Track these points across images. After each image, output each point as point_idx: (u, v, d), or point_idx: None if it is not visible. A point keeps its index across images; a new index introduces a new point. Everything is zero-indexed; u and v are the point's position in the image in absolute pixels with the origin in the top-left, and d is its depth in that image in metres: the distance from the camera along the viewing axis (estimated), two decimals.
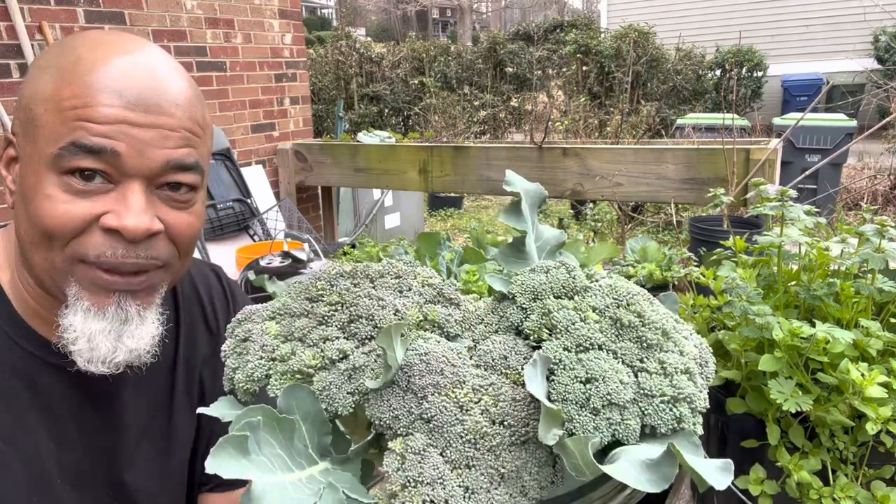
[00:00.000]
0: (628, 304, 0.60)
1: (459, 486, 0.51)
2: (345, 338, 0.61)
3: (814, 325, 0.76)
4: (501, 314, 0.64)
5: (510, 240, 0.73)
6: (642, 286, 1.60)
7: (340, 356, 0.59)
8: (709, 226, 2.11)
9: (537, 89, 11.69)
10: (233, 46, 4.13)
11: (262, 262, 2.46)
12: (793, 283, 0.91)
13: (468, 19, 22.88)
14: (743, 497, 0.82)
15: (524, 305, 0.62)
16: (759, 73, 10.63)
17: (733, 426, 0.87)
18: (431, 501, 0.50)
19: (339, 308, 0.63)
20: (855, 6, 10.35)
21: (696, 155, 3.07)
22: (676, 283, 1.53)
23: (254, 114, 4.32)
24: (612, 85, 9.22)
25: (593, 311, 0.59)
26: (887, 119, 4.58)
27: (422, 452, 0.52)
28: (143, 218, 0.71)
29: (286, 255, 2.52)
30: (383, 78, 11.29)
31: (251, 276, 2.23)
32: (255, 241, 3.67)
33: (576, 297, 0.61)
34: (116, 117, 0.68)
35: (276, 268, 2.39)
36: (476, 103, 10.49)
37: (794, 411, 0.74)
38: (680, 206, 4.32)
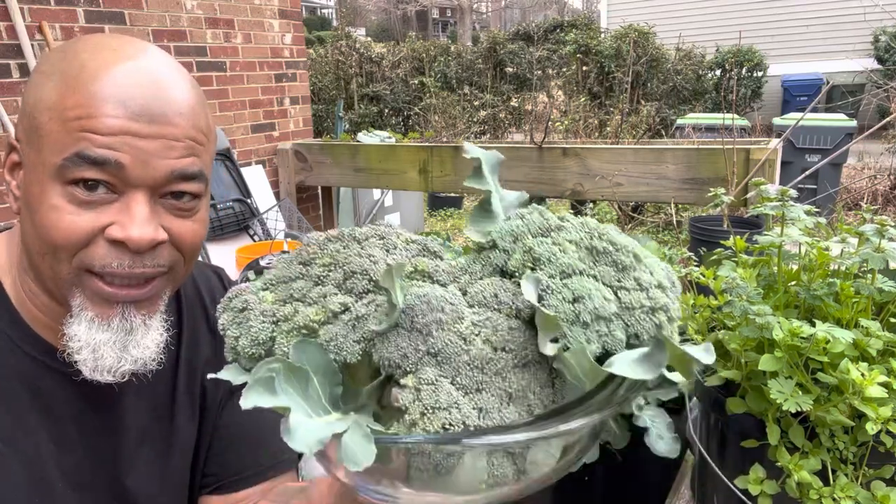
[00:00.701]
0: (600, 235, 0.65)
1: (473, 409, 0.55)
2: (343, 294, 0.63)
3: (814, 325, 0.76)
4: (484, 262, 0.68)
5: (479, 201, 0.78)
6: None
7: (342, 308, 0.61)
8: (709, 226, 2.11)
9: (537, 89, 11.69)
10: (233, 46, 4.13)
11: (262, 262, 2.46)
12: (793, 283, 0.91)
13: (468, 19, 22.89)
14: (743, 497, 0.82)
15: (505, 248, 0.66)
16: (759, 73, 10.63)
17: (733, 426, 0.87)
18: (450, 423, 0.53)
19: (333, 268, 0.65)
20: (855, 6, 10.35)
21: (696, 155, 3.07)
22: None
23: (254, 114, 4.32)
24: (612, 85, 9.22)
25: (570, 244, 0.65)
26: (887, 119, 4.58)
27: (434, 383, 0.55)
28: (147, 229, 0.71)
29: (286, 255, 2.52)
30: (383, 78, 11.30)
31: (251, 276, 2.23)
32: (255, 241, 3.67)
33: (552, 234, 0.66)
34: (121, 128, 0.68)
35: None
36: (476, 103, 10.49)
37: (794, 411, 0.74)
38: (680, 206, 4.33)
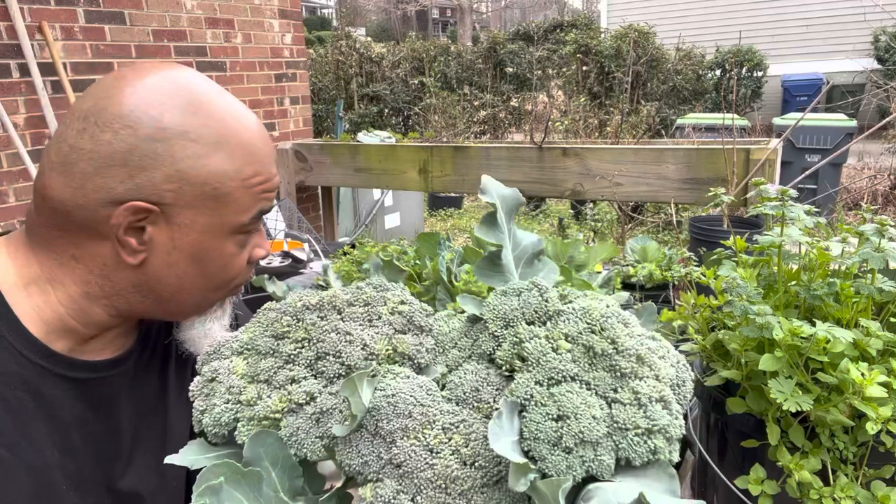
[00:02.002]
0: (602, 329, 0.59)
1: None
2: (312, 376, 0.60)
3: (814, 325, 0.76)
4: (474, 338, 0.63)
5: (485, 252, 0.72)
6: (642, 286, 1.60)
7: (307, 399, 0.58)
8: (709, 226, 2.11)
9: (537, 89, 11.69)
10: (233, 46, 4.13)
11: (262, 262, 2.45)
12: (793, 282, 0.91)
13: (468, 19, 22.88)
14: (743, 497, 0.82)
15: (496, 333, 0.61)
16: (759, 73, 10.63)
17: (733, 426, 0.87)
18: None
19: (306, 345, 0.62)
20: (855, 6, 10.36)
21: (696, 155, 3.07)
22: (676, 282, 1.53)
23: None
24: (612, 85, 9.22)
25: (566, 339, 0.58)
26: (887, 119, 4.58)
27: (392, 500, 0.52)
28: None
29: (286, 255, 2.52)
30: (383, 78, 11.29)
31: (251, 276, 2.23)
32: None
33: (548, 323, 0.60)
34: (279, 180, 0.84)
35: (276, 268, 2.39)
36: (476, 103, 10.49)
37: (794, 411, 0.74)
38: (680, 206, 4.33)
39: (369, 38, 14.67)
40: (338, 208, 5.17)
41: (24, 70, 3.10)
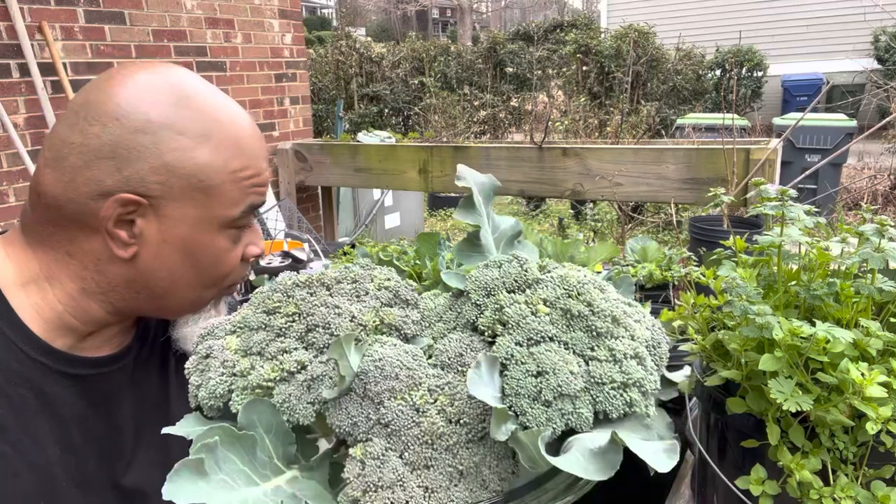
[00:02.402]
0: (578, 294, 0.61)
1: (419, 487, 0.52)
2: (303, 348, 0.62)
3: (814, 325, 0.76)
4: (458, 311, 0.66)
5: (466, 235, 0.75)
6: (642, 286, 1.60)
7: (299, 367, 0.60)
8: (709, 226, 2.11)
9: (537, 89, 11.69)
10: (233, 46, 4.13)
11: (262, 262, 2.46)
12: (793, 282, 0.91)
13: (468, 19, 22.88)
14: (743, 497, 0.82)
15: (478, 302, 0.63)
16: (759, 73, 10.62)
17: (733, 426, 0.87)
18: None
19: (297, 319, 0.64)
20: (855, 6, 10.35)
21: (696, 155, 3.07)
22: (676, 282, 1.53)
23: (254, 114, 4.32)
24: (612, 85, 9.22)
25: (544, 304, 0.61)
26: (887, 119, 4.58)
27: (381, 457, 0.53)
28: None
29: (286, 255, 2.52)
30: (383, 78, 11.29)
31: (251, 275, 2.23)
32: None
33: (528, 291, 0.63)
34: (270, 175, 0.85)
35: (276, 268, 2.39)
36: (476, 103, 10.48)
37: (794, 411, 0.74)
38: (680, 206, 4.33)
39: (369, 38, 14.67)
40: (338, 208, 5.17)
41: (24, 70, 3.10)
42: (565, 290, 0.62)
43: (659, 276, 1.57)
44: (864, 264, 0.84)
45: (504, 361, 0.57)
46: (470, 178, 0.75)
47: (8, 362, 0.76)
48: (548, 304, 0.61)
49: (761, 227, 1.91)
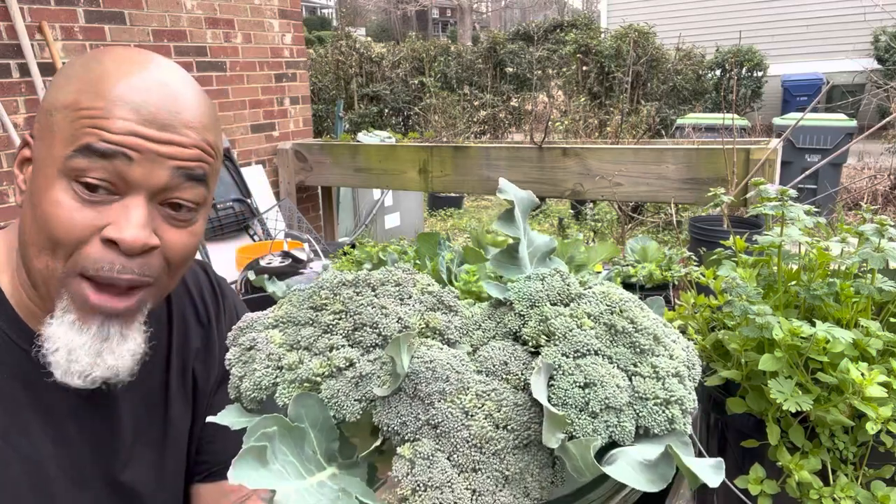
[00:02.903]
0: (621, 311, 0.63)
1: (467, 489, 0.53)
2: (350, 346, 0.62)
3: (814, 325, 0.76)
4: (498, 320, 0.66)
5: (504, 246, 0.76)
6: (642, 286, 1.60)
7: (347, 364, 0.60)
8: (709, 226, 2.11)
9: (537, 89, 11.69)
10: (233, 46, 4.13)
11: (262, 262, 2.46)
12: (793, 282, 0.91)
13: (468, 19, 22.88)
14: (742, 497, 0.82)
15: (522, 312, 0.64)
16: (759, 73, 10.63)
17: (733, 426, 0.87)
18: None
19: (344, 316, 0.64)
20: (855, 6, 10.35)
21: (696, 155, 3.07)
22: (676, 283, 1.53)
23: (254, 114, 4.32)
24: (612, 85, 9.22)
25: (588, 318, 0.62)
26: (887, 119, 4.58)
27: (430, 457, 0.54)
28: (142, 232, 0.72)
29: (286, 255, 2.52)
30: (383, 78, 11.29)
31: (251, 276, 2.23)
32: (255, 241, 3.67)
33: (571, 304, 0.64)
34: (130, 129, 0.71)
35: (276, 268, 2.39)
36: (476, 103, 10.49)
37: (794, 411, 0.74)
38: (680, 206, 4.33)
39: (369, 38, 14.68)
40: (338, 208, 5.17)
41: (24, 70, 3.10)
42: (608, 306, 0.63)
43: (659, 276, 1.57)
44: (864, 264, 0.84)
45: (551, 373, 0.58)
46: (511, 192, 0.76)
47: (1, 355, 0.77)
48: (592, 318, 0.62)
49: (761, 227, 1.91)
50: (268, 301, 1.97)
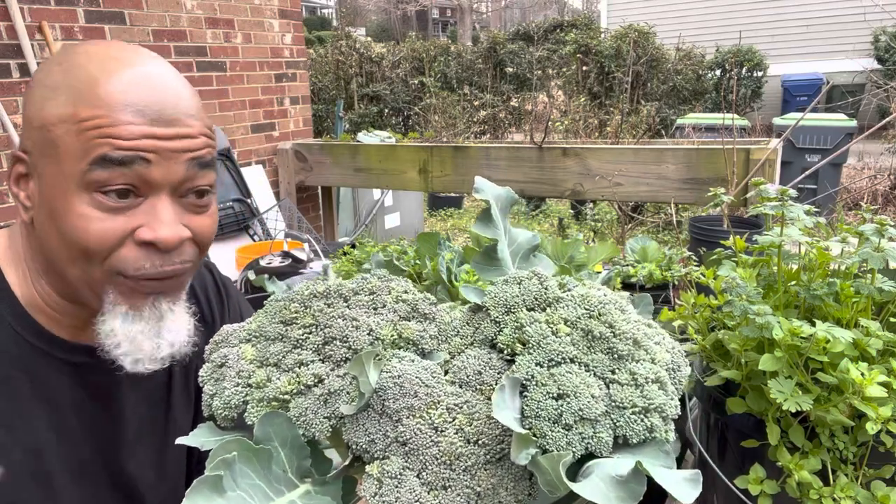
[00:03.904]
0: (600, 315, 0.60)
1: None
2: (320, 360, 0.61)
3: (814, 325, 0.76)
4: (476, 326, 0.65)
5: (483, 248, 0.74)
6: (642, 286, 1.60)
7: (316, 381, 0.59)
8: (709, 226, 2.11)
9: (537, 89, 11.69)
10: (233, 46, 4.13)
11: (262, 262, 2.46)
12: (793, 282, 0.91)
13: (468, 19, 22.88)
14: (743, 497, 0.82)
15: (497, 319, 0.63)
16: (759, 73, 10.63)
17: (733, 426, 0.87)
18: None
19: (314, 330, 0.63)
20: (855, 6, 10.35)
21: (696, 155, 3.07)
22: (676, 283, 1.53)
23: (254, 114, 4.32)
24: (612, 85, 9.22)
25: (565, 324, 0.60)
26: (887, 119, 4.58)
27: (398, 476, 0.53)
28: (174, 228, 0.75)
29: (286, 255, 2.52)
30: (383, 78, 11.29)
31: (251, 275, 2.23)
32: (255, 240, 3.67)
33: (548, 309, 0.62)
34: (142, 133, 0.71)
35: (276, 268, 2.39)
36: (476, 103, 10.49)
37: (794, 411, 0.74)
38: (680, 206, 4.32)
39: (369, 38, 14.67)
40: (338, 208, 5.17)
41: (24, 70, 3.09)
42: (586, 310, 0.61)
43: (659, 276, 1.57)
44: (864, 264, 0.84)
45: (524, 382, 0.56)
46: (488, 190, 0.74)
47: (3, 345, 0.77)
48: (569, 323, 0.60)
49: (761, 227, 1.91)
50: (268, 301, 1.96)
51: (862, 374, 0.73)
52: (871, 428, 0.72)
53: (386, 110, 11.06)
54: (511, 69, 12.13)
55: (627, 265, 1.67)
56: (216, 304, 1.02)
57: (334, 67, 10.89)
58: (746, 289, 0.87)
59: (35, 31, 3.12)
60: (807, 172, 3.79)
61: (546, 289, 0.64)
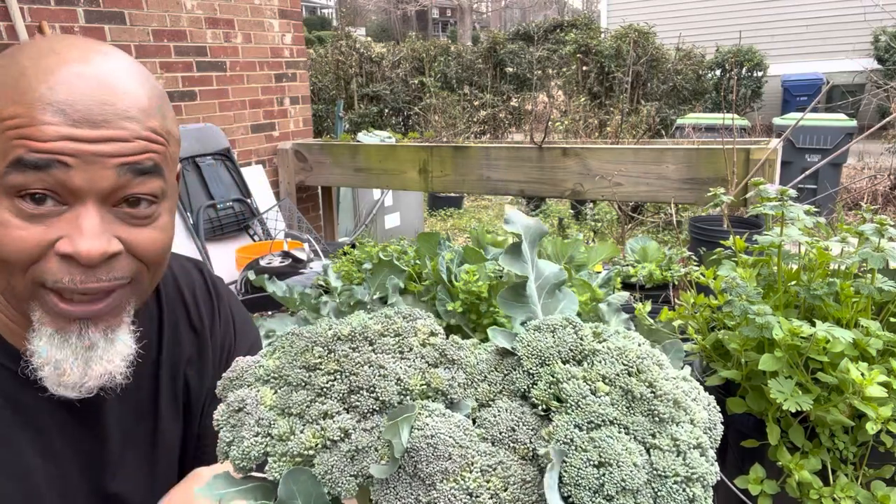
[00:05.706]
0: (639, 371, 0.58)
1: None
2: (345, 409, 0.59)
3: (814, 325, 0.76)
4: (505, 372, 0.63)
5: (511, 283, 0.72)
6: (642, 286, 1.60)
7: (342, 435, 0.56)
8: (709, 226, 2.11)
9: (537, 89, 11.69)
10: (233, 46, 4.13)
11: (262, 262, 2.46)
12: (793, 282, 0.91)
13: (468, 19, 22.88)
14: (742, 496, 0.82)
15: (531, 371, 0.60)
16: (759, 73, 10.63)
17: (733, 426, 0.87)
18: None
19: (339, 377, 0.60)
20: (855, 6, 10.36)
21: (696, 155, 3.07)
22: (676, 283, 1.53)
23: (254, 114, 4.32)
24: (612, 85, 9.22)
25: (603, 381, 0.58)
26: (887, 119, 4.58)
27: None
28: (97, 241, 0.67)
29: (286, 255, 2.52)
30: (383, 78, 11.29)
31: (251, 275, 2.23)
32: (255, 241, 3.67)
33: (584, 363, 0.60)
34: (60, 134, 0.64)
35: (276, 268, 2.39)
36: (476, 103, 10.49)
37: (794, 411, 0.74)
38: (680, 206, 4.32)
39: (369, 38, 14.67)
40: (338, 208, 5.17)
41: None
42: (624, 365, 0.59)
43: (659, 276, 1.57)
44: (864, 264, 0.84)
45: (562, 448, 0.54)
46: (518, 222, 0.71)
47: None
48: (607, 381, 0.58)
49: (761, 227, 1.91)
50: (268, 301, 1.96)
51: (862, 374, 0.73)
52: (871, 428, 0.72)
53: (386, 110, 11.06)
54: (511, 69, 12.13)
55: (627, 265, 1.67)
56: (205, 307, 0.96)
57: (334, 67, 10.89)
58: (746, 289, 0.87)
59: (35, 31, 3.12)
60: (807, 172, 3.79)
61: (581, 339, 0.61)
